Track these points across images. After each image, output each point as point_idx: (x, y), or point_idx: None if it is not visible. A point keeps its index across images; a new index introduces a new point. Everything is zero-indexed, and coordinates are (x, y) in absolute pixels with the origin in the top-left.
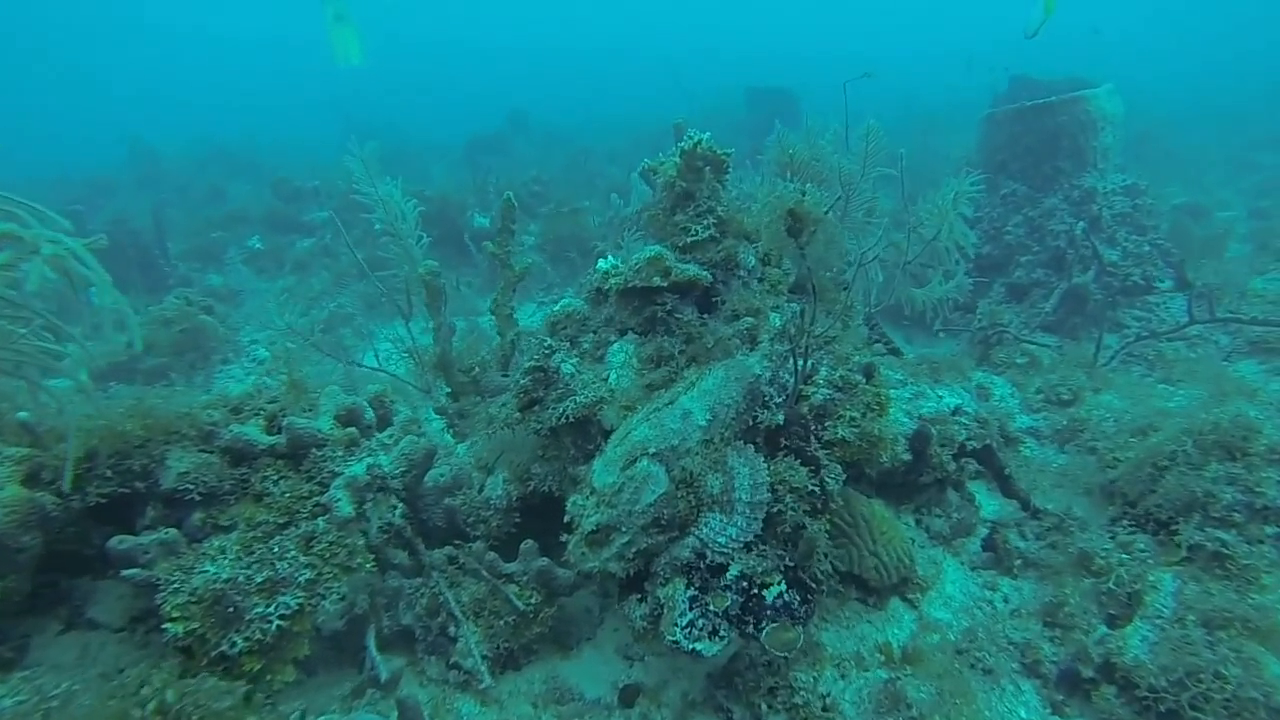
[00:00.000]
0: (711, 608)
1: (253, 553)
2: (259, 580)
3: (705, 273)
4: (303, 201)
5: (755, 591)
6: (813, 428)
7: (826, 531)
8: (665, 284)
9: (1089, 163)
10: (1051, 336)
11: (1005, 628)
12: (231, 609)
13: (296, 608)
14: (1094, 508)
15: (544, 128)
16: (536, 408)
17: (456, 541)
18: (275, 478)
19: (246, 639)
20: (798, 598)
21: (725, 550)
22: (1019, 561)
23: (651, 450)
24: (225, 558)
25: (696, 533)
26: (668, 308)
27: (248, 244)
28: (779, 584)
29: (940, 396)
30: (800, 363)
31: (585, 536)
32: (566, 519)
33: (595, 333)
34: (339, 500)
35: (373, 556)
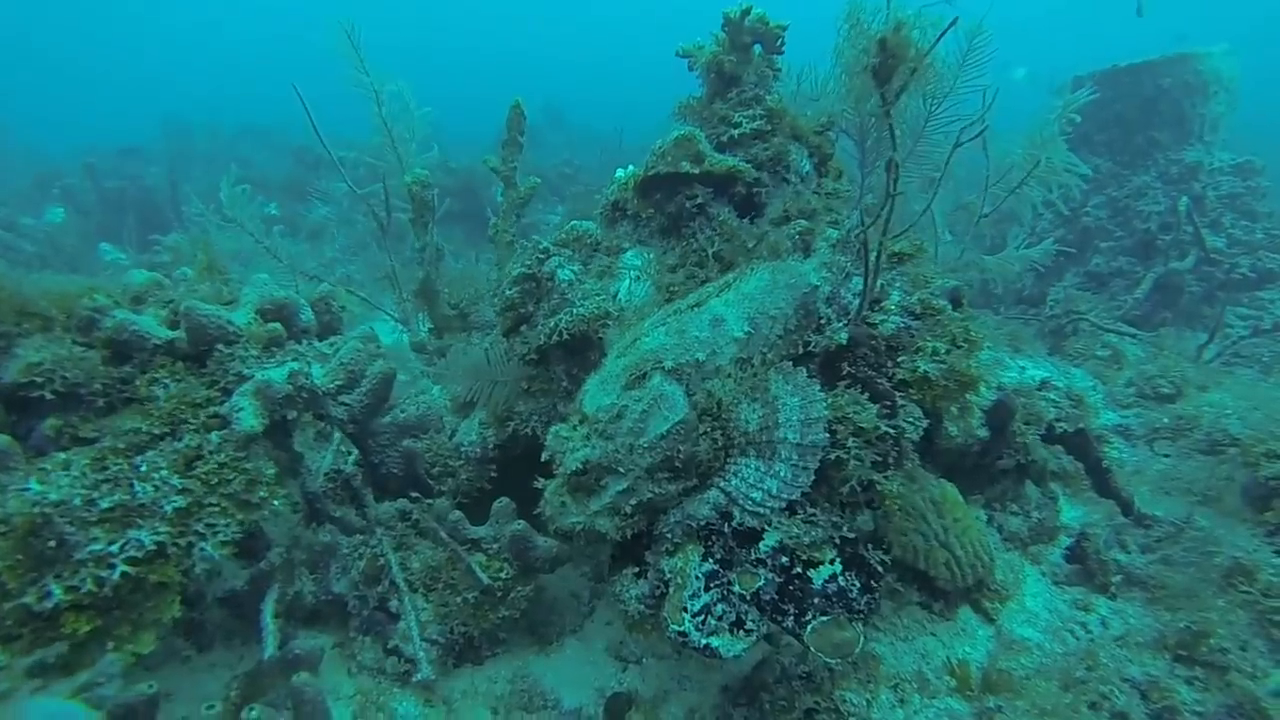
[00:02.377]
0: (736, 589)
1: (105, 469)
2: (104, 506)
3: (748, 168)
4: (324, 170)
5: (799, 571)
6: (883, 361)
7: (899, 498)
8: (696, 171)
9: (1193, 134)
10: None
11: (1114, 659)
12: (54, 544)
13: (153, 547)
14: (1224, 517)
15: (581, 124)
16: (524, 328)
17: (414, 495)
18: (167, 381)
19: (69, 588)
20: (856, 584)
21: (760, 510)
22: (1118, 578)
23: (667, 364)
24: (65, 475)
25: (722, 483)
26: (698, 201)
27: (265, 209)
28: (833, 562)
29: (1023, 367)
30: (871, 271)
31: (567, 479)
32: (545, 456)
33: (608, 250)
34: (241, 410)
35: (284, 493)
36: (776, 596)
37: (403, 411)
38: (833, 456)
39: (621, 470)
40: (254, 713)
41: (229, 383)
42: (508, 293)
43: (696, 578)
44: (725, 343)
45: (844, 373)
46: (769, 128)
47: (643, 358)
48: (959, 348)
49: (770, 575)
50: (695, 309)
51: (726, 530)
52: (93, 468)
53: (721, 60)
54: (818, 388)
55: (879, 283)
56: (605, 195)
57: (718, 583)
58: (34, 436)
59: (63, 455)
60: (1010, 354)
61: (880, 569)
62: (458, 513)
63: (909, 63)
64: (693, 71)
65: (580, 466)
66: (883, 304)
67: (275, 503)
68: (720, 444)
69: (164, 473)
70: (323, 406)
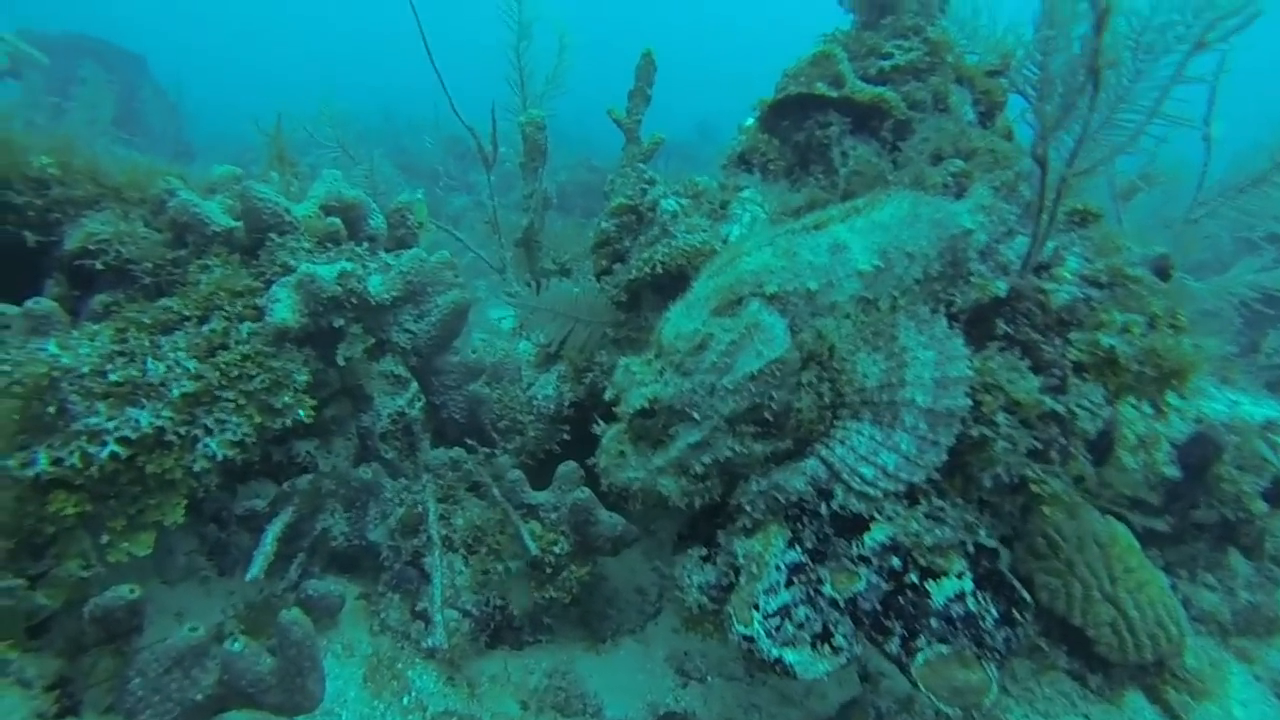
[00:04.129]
0: (827, 590)
1: (125, 342)
2: (113, 379)
3: (899, 101)
4: (470, 161)
5: (914, 579)
6: (1052, 329)
7: (1058, 509)
8: (834, 95)
9: None
10: None
11: None
12: (54, 410)
13: (150, 431)
14: None
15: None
16: (618, 267)
17: (470, 443)
18: (216, 267)
19: (55, 460)
20: (993, 611)
21: (870, 490)
22: None
23: (769, 289)
24: (87, 343)
25: (825, 451)
26: (832, 130)
27: (415, 194)
28: (961, 576)
29: (1235, 401)
30: (1045, 221)
31: (630, 422)
32: (609, 394)
33: (721, 188)
34: (278, 302)
35: (312, 403)
36: (880, 608)
37: (474, 353)
38: (974, 434)
39: (697, 416)
40: (236, 645)
41: (274, 274)
42: (604, 225)
43: (777, 568)
44: (846, 274)
45: (999, 333)
46: (928, 62)
47: (739, 278)
48: (1162, 329)
49: (875, 578)
50: (812, 231)
51: (824, 512)
52: (114, 339)
53: None
54: (961, 343)
55: (1051, 245)
56: (730, 147)
57: (804, 578)
58: (85, 311)
59: (93, 327)
60: (1215, 384)
61: (1028, 599)
62: (518, 472)
63: None
64: (844, 6)
65: (646, 406)
66: (1054, 270)
67: (300, 412)
68: (828, 400)
69: (181, 354)
70: (379, 324)
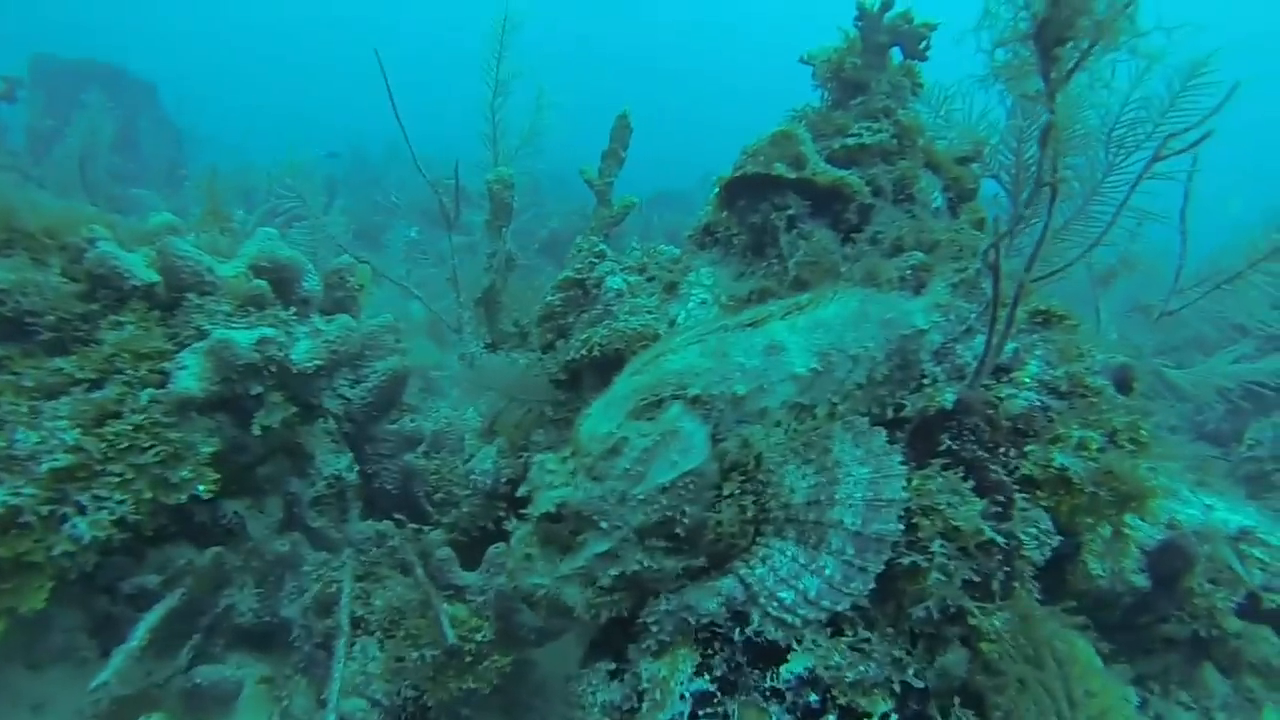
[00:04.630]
0: None
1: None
2: None
3: (862, 185)
4: (467, 202)
5: (830, 715)
6: (1001, 445)
7: (997, 652)
8: (792, 177)
9: None
10: None
11: None
12: None
13: (8, 506)
14: None
15: None
16: (561, 342)
17: (398, 517)
18: (130, 326)
19: None
20: None
21: (789, 617)
22: None
23: (692, 391)
24: None
25: (744, 570)
26: (789, 213)
27: (408, 233)
28: (885, 716)
29: (1209, 506)
30: (1001, 322)
31: (538, 525)
32: (522, 490)
33: (675, 263)
34: (184, 369)
35: (215, 477)
36: None
37: (414, 421)
38: (905, 561)
39: (605, 526)
40: None
41: (187, 338)
42: (549, 299)
43: (682, 697)
44: (780, 378)
45: (942, 447)
46: (896, 146)
47: (662, 379)
48: (1122, 446)
49: (787, 716)
50: (747, 329)
51: (737, 638)
52: None
53: (844, 61)
54: (898, 460)
55: (1012, 347)
56: (697, 218)
57: (709, 711)
58: None
59: None
60: (1189, 486)
61: None
62: (447, 550)
63: (1089, 16)
64: (815, 83)
65: (554, 510)
66: (1014, 374)
67: (200, 487)
68: (750, 515)
69: (62, 423)
70: (308, 390)
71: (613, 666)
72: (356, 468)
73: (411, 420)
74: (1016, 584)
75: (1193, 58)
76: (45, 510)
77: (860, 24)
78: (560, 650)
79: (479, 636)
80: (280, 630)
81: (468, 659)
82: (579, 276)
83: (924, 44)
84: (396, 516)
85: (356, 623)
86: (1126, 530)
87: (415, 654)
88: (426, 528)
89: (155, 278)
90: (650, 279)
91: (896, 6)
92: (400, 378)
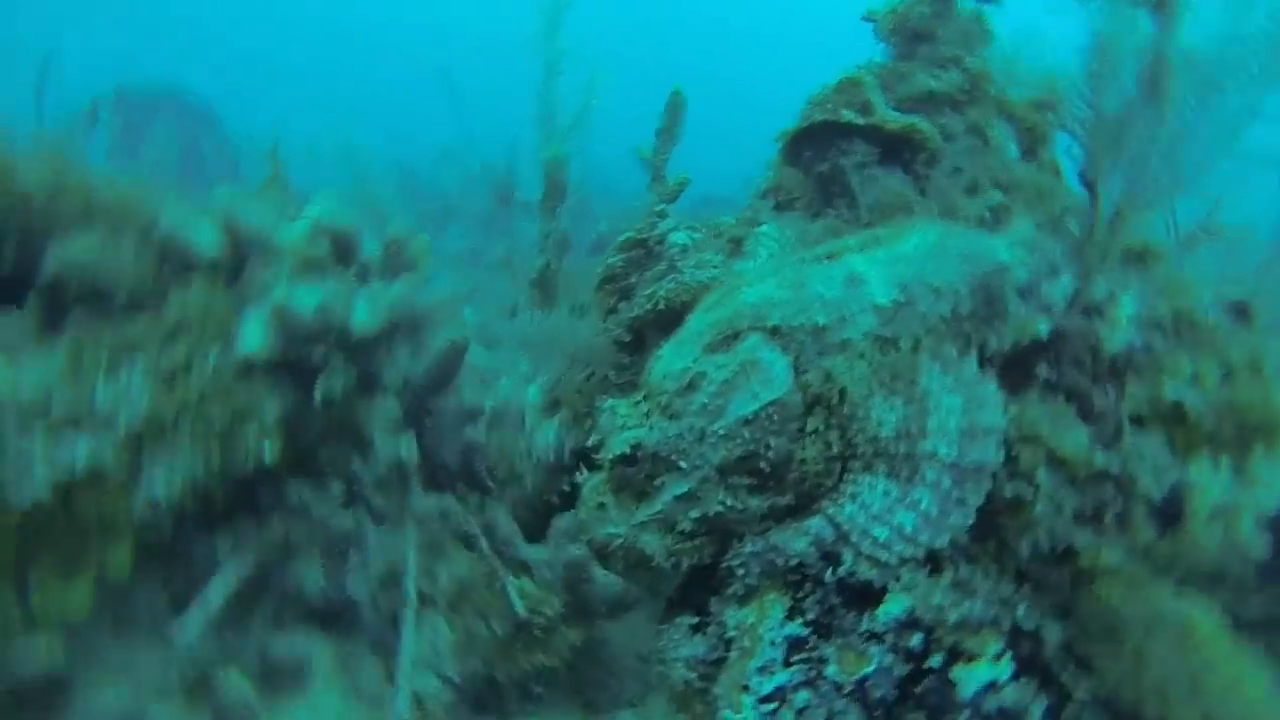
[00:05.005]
0: (832, 672)
1: (80, 367)
2: (55, 406)
3: (934, 130)
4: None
5: (937, 663)
6: (1102, 377)
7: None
8: (861, 123)
9: None
10: None
11: None
12: None
13: (87, 467)
14: None
15: None
16: (624, 305)
17: (460, 489)
18: (197, 292)
19: None
20: (1041, 705)
21: (884, 555)
22: None
23: (771, 323)
24: (38, 363)
25: (832, 509)
26: (858, 160)
27: (459, 242)
28: (998, 660)
29: None
30: (1090, 250)
31: (612, 471)
32: (592, 440)
33: (740, 220)
34: (247, 327)
35: (280, 440)
36: (895, 695)
37: (473, 396)
38: (1008, 493)
39: (684, 465)
40: None
41: (249, 299)
42: (610, 260)
43: (773, 643)
44: (861, 309)
45: (1041, 379)
46: (967, 93)
47: (738, 311)
48: (1244, 374)
49: (890, 658)
50: (826, 260)
51: (829, 579)
52: (70, 363)
53: (909, 11)
54: (994, 388)
55: (1105, 285)
56: (756, 185)
57: (804, 656)
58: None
59: (49, 349)
60: None
61: (1069, 690)
62: (512, 524)
63: None
64: (879, 38)
65: (628, 452)
66: (1108, 314)
67: (267, 447)
68: (836, 451)
69: (135, 381)
70: (368, 360)
71: (694, 621)
72: (415, 447)
73: (471, 392)
74: (1133, 517)
75: None
76: (127, 463)
77: None
78: (633, 629)
79: (548, 610)
80: (348, 607)
81: (537, 633)
82: (641, 236)
83: None
84: (457, 488)
85: (422, 598)
86: (1254, 479)
87: (484, 628)
88: (490, 501)
89: (220, 246)
90: (716, 235)
91: None
92: (460, 350)
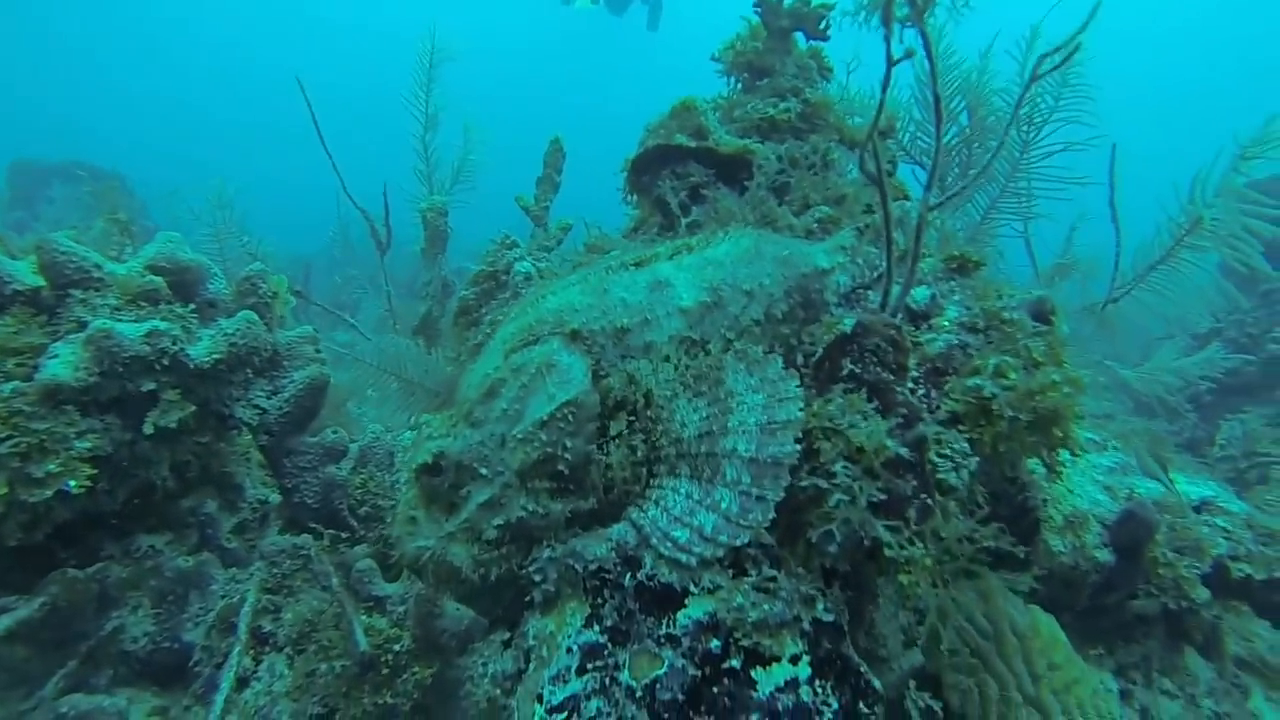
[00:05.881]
0: (625, 678)
1: None
2: None
3: (768, 152)
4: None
5: (733, 664)
6: (919, 383)
7: (929, 622)
8: (693, 146)
9: None
10: None
11: None
12: None
13: None
14: None
15: None
16: (472, 333)
17: (316, 527)
18: (6, 327)
19: None
20: (832, 703)
21: (685, 555)
22: None
23: (570, 326)
24: None
25: (635, 513)
26: (693, 181)
27: (379, 307)
28: (796, 661)
29: (1171, 480)
30: (906, 256)
31: (417, 480)
32: (402, 458)
33: (590, 251)
34: (54, 358)
35: (89, 473)
36: (684, 699)
37: (336, 433)
38: (805, 484)
39: (486, 473)
40: None
41: (66, 332)
42: (463, 293)
43: (569, 650)
44: (666, 312)
45: (844, 372)
46: (807, 121)
47: (540, 318)
48: (1040, 366)
49: (680, 662)
50: (631, 269)
51: (629, 584)
52: None
53: (746, 49)
54: (795, 384)
55: (928, 292)
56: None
57: (598, 663)
58: None
59: None
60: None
61: (877, 687)
62: (368, 561)
63: None
64: (723, 74)
65: (430, 460)
66: (933, 320)
67: (70, 482)
68: (641, 455)
69: None
70: (216, 397)
71: (506, 636)
72: (270, 494)
73: (334, 433)
74: (932, 506)
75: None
76: None
77: (760, 10)
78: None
79: (397, 647)
80: (183, 659)
81: (385, 671)
82: (491, 268)
83: (824, 24)
84: (314, 527)
85: (264, 639)
86: (1060, 468)
87: (326, 668)
88: (347, 540)
89: (40, 282)
90: (563, 262)
91: None
92: (319, 387)
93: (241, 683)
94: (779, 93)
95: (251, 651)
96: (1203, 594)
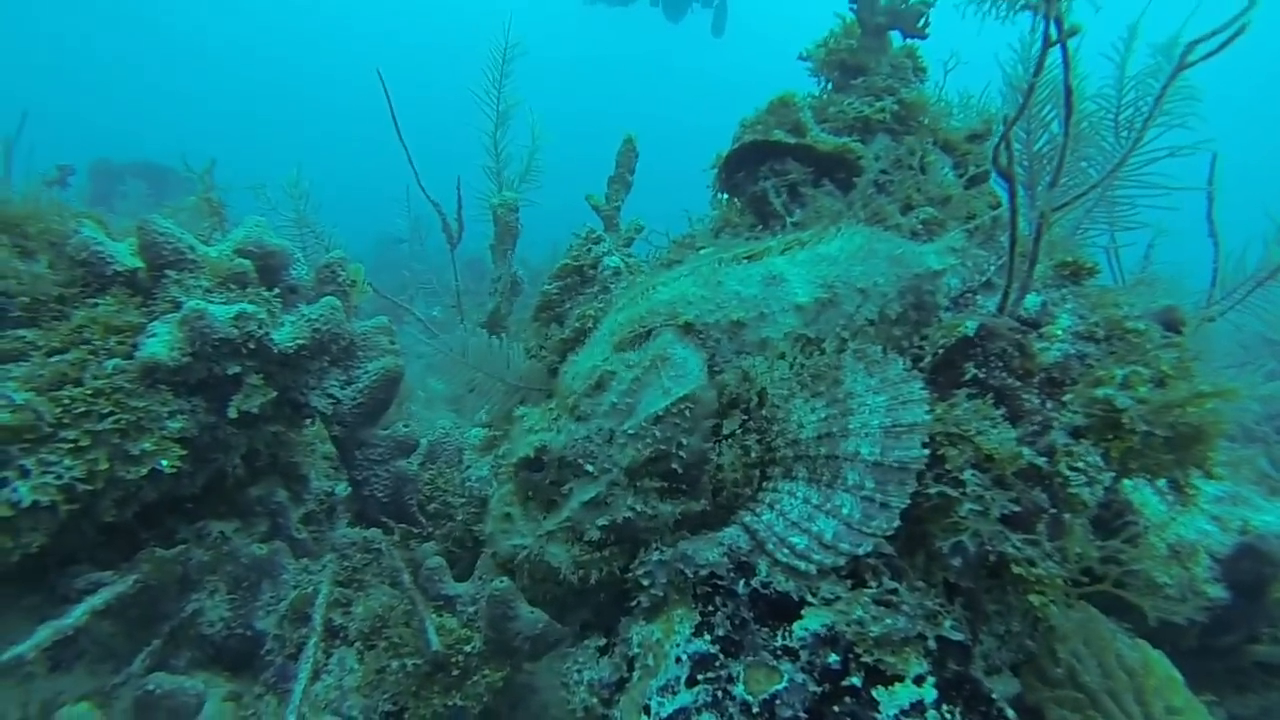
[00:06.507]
0: (739, 691)
1: None
2: None
3: (867, 151)
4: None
5: (855, 681)
6: (1034, 374)
7: (1049, 606)
8: (791, 142)
9: None
10: None
11: None
12: None
13: None
14: None
15: None
16: (557, 328)
17: (387, 522)
18: (106, 305)
19: None
20: None
21: (804, 563)
22: None
23: (684, 318)
24: None
25: (749, 517)
26: (790, 179)
27: (430, 312)
28: (920, 682)
29: None
30: (1023, 258)
31: (516, 475)
32: (502, 451)
33: (679, 245)
34: (153, 336)
35: (180, 454)
36: (806, 716)
37: (406, 427)
38: (933, 492)
39: (592, 469)
40: None
41: (162, 312)
42: (545, 288)
43: (678, 660)
44: (782, 307)
45: (968, 377)
46: (902, 121)
47: (652, 309)
48: (1175, 385)
49: (801, 677)
50: (745, 261)
51: (742, 591)
52: None
53: (841, 45)
54: (919, 385)
55: (1039, 299)
56: (705, 223)
57: (710, 675)
58: None
59: None
60: (1262, 494)
61: (1011, 716)
62: (439, 559)
63: None
64: (814, 74)
65: (532, 455)
66: (1044, 329)
67: (163, 461)
68: (755, 456)
69: (12, 384)
70: (293, 383)
71: (603, 642)
72: (347, 480)
73: (405, 426)
74: (1067, 523)
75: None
76: None
77: (855, 6)
78: (557, 669)
79: (468, 648)
80: (254, 646)
81: (455, 672)
82: (576, 262)
83: (922, 21)
84: (385, 521)
85: (335, 632)
86: (1190, 490)
87: (398, 665)
88: (418, 536)
89: (138, 264)
90: (653, 260)
91: None
92: (393, 378)
93: (314, 675)
94: (874, 92)
95: (323, 644)
96: None
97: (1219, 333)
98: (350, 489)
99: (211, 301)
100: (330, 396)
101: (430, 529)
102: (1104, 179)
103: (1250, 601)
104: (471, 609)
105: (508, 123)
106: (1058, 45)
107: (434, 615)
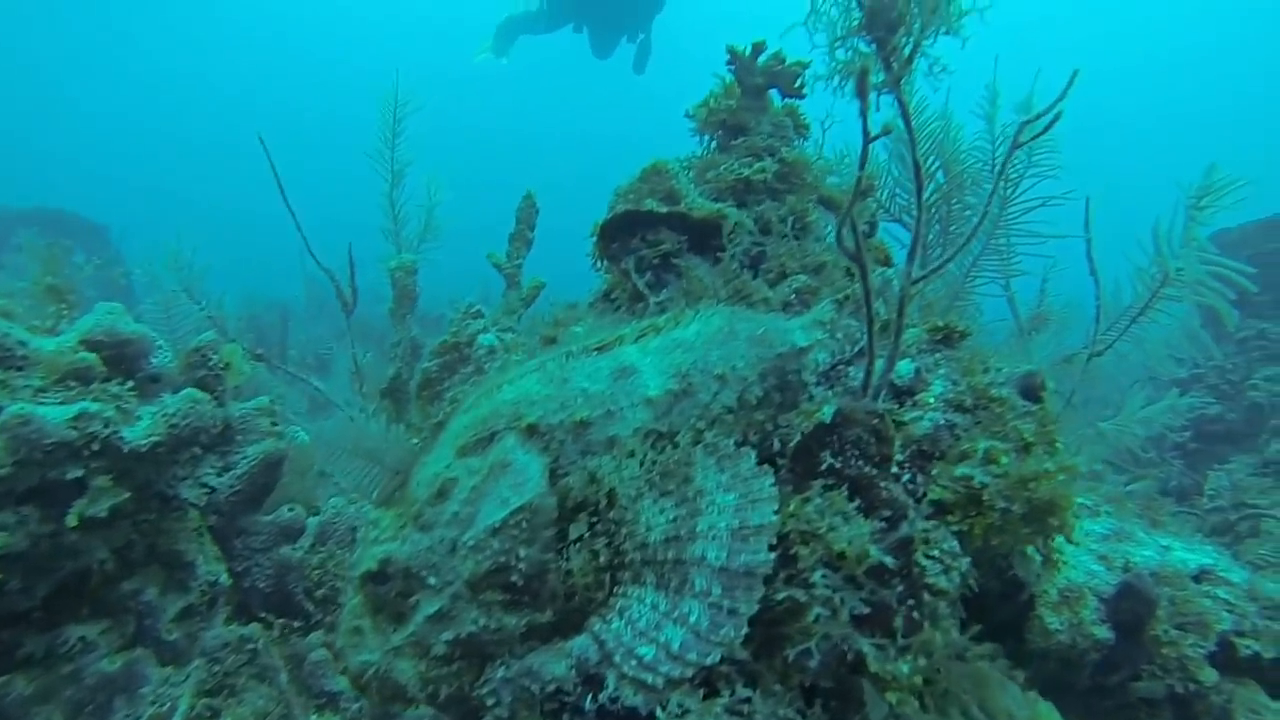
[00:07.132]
0: None
1: None
2: None
3: (742, 215)
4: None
5: None
6: (904, 466)
7: (906, 702)
8: (663, 211)
9: None
10: None
11: None
12: None
13: None
14: None
15: None
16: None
17: (266, 616)
18: None
19: None
20: None
21: (651, 675)
22: None
23: (527, 420)
24: None
25: (599, 625)
26: (663, 249)
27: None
28: None
29: (1166, 546)
30: (889, 331)
31: (362, 588)
32: (352, 559)
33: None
34: None
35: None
36: None
37: (293, 510)
38: (781, 597)
39: (434, 582)
40: None
41: None
42: (425, 365)
43: None
44: (631, 403)
45: (822, 466)
46: (784, 181)
47: (495, 410)
48: (1033, 448)
49: None
50: (595, 353)
51: (589, 708)
52: None
53: (720, 107)
54: (769, 482)
55: (913, 366)
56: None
57: None
58: None
59: None
60: (1143, 527)
61: None
62: (323, 651)
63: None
64: (696, 133)
65: (375, 568)
66: (918, 396)
67: None
68: (605, 560)
69: None
70: (158, 478)
71: None
72: (221, 573)
73: (290, 510)
74: (920, 618)
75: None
76: None
77: (733, 67)
78: None
79: None
80: None
81: None
82: (454, 339)
83: (798, 82)
84: (264, 616)
85: None
86: (1056, 556)
87: None
88: (300, 630)
89: None
90: (532, 328)
91: (769, 49)
92: (274, 463)
93: None
94: (754, 152)
95: None
96: (1210, 675)
97: (1111, 362)
98: (229, 579)
99: (44, 402)
100: (204, 486)
101: (319, 616)
102: (954, 254)
103: (1131, 640)
104: (355, 705)
105: (402, 182)
106: (886, 135)
107: (314, 715)
